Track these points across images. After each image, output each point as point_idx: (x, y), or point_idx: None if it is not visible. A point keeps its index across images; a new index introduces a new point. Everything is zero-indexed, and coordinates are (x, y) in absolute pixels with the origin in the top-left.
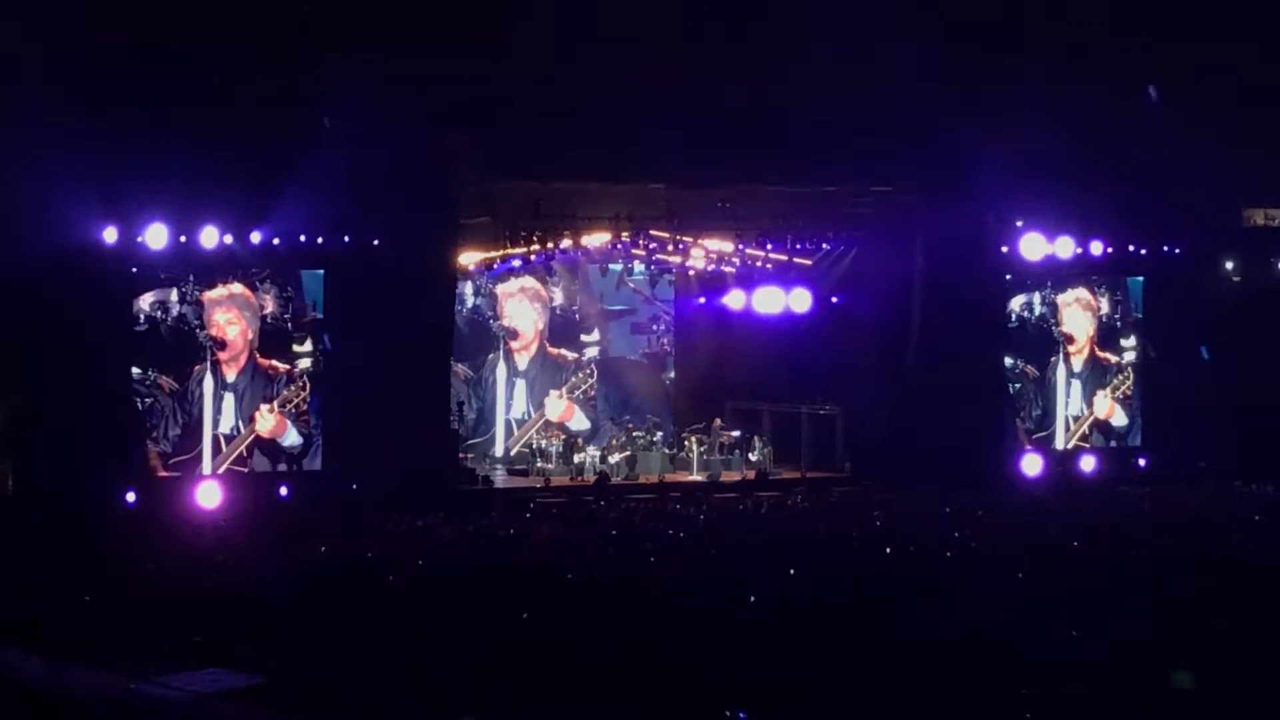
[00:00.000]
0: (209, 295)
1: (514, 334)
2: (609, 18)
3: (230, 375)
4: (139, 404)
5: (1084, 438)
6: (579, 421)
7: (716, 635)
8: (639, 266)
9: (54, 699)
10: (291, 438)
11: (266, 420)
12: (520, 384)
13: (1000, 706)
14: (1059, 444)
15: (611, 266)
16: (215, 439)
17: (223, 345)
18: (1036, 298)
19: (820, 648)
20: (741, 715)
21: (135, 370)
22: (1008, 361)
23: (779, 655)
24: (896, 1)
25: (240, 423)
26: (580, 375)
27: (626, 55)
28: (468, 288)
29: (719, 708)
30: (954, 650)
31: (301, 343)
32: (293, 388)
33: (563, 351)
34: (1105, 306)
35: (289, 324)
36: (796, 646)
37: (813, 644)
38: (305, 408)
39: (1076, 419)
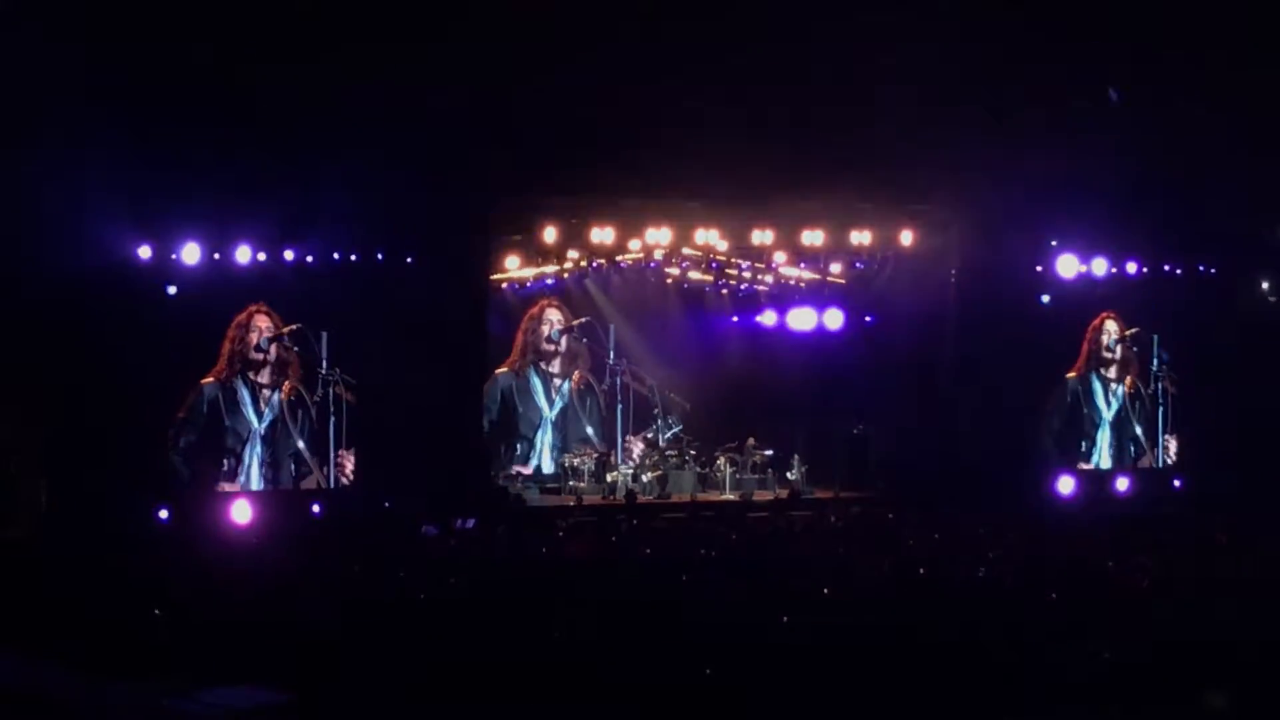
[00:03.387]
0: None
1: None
2: (647, 34)
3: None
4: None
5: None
6: None
7: (747, 657)
8: None
9: (89, 716)
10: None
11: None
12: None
13: None
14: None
15: None
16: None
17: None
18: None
19: (851, 670)
20: None
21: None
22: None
23: (807, 677)
24: (932, 21)
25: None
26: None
27: (659, 72)
28: None
29: None
30: (986, 674)
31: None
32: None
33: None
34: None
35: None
36: (826, 669)
37: (844, 667)
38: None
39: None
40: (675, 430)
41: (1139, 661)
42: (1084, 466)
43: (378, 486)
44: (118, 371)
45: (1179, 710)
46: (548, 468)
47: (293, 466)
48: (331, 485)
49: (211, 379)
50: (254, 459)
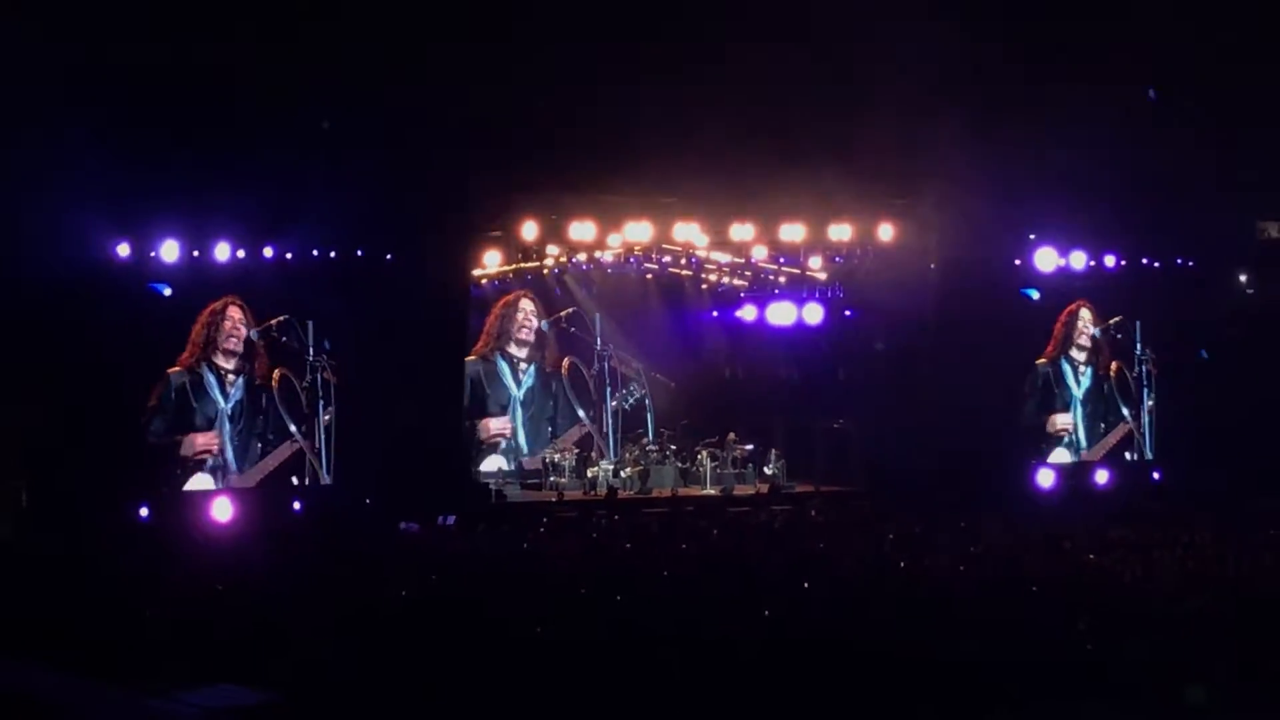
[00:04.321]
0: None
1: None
2: (621, 30)
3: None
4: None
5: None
6: None
7: (727, 652)
8: None
9: (70, 715)
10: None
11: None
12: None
13: None
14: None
15: None
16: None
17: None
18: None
19: (831, 665)
20: None
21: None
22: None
23: (790, 672)
24: (910, 15)
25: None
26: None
27: (638, 71)
28: None
29: None
30: (968, 667)
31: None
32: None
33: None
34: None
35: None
36: (807, 663)
37: (823, 661)
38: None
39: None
40: (639, 396)
41: (1121, 654)
42: (1060, 451)
43: (358, 484)
44: (97, 371)
45: (1158, 703)
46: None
47: (259, 445)
48: (322, 459)
49: (178, 367)
50: (224, 439)
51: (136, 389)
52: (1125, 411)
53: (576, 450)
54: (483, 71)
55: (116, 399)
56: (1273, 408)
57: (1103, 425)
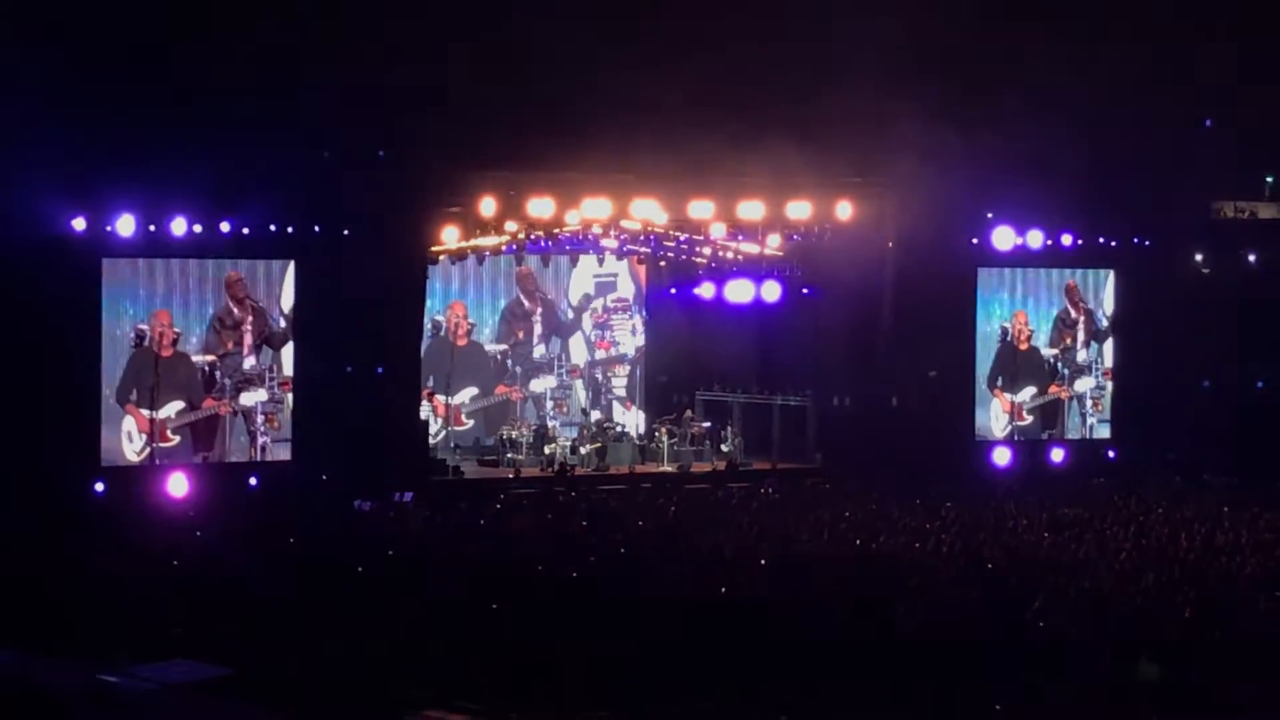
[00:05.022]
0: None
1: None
2: (580, 7)
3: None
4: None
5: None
6: None
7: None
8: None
9: (23, 690)
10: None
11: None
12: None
13: (968, 698)
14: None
15: None
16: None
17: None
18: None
19: (787, 641)
20: None
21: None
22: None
23: (747, 647)
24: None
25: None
26: None
27: (597, 46)
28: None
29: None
30: (923, 643)
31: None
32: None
33: None
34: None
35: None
36: (763, 640)
37: (779, 638)
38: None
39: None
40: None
41: (1073, 631)
42: (1015, 428)
43: (316, 460)
44: (52, 346)
45: (1113, 679)
46: (461, 400)
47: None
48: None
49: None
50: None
51: (93, 366)
52: (1076, 385)
53: (534, 426)
54: (441, 48)
55: (73, 376)
56: (1226, 386)
57: (1053, 401)
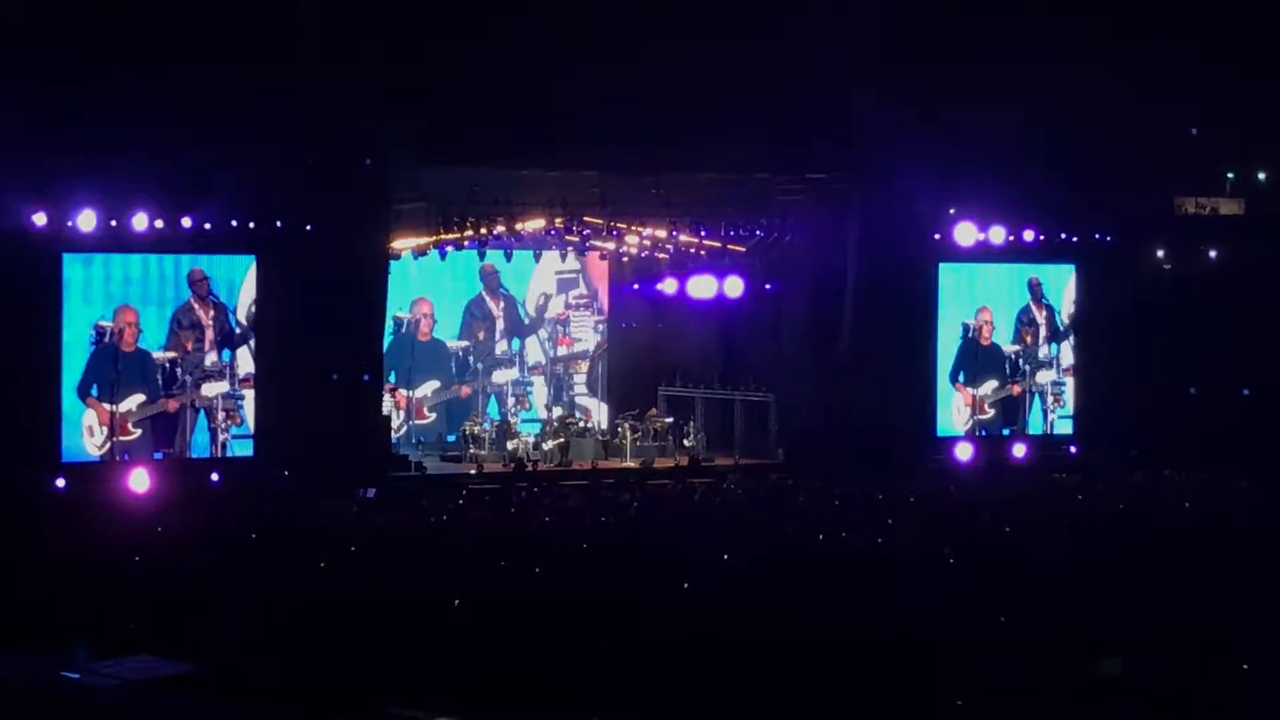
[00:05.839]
0: None
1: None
2: (546, 3)
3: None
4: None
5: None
6: None
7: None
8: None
9: None
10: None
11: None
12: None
13: (932, 695)
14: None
15: None
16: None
17: None
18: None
19: (748, 641)
20: None
21: None
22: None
23: (707, 647)
24: None
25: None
26: None
27: (554, 41)
28: None
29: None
30: (885, 640)
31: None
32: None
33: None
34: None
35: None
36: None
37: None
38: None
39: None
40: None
41: (1034, 626)
42: (977, 423)
43: (277, 456)
44: (10, 340)
45: (1074, 676)
46: (424, 393)
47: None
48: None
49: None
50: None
51: (52, 360)
52: (1037, 379)
53: (496, 422)
54: (404, 43)
55: (32, 370)
56: (1189, 382)
57: (1015, 397)
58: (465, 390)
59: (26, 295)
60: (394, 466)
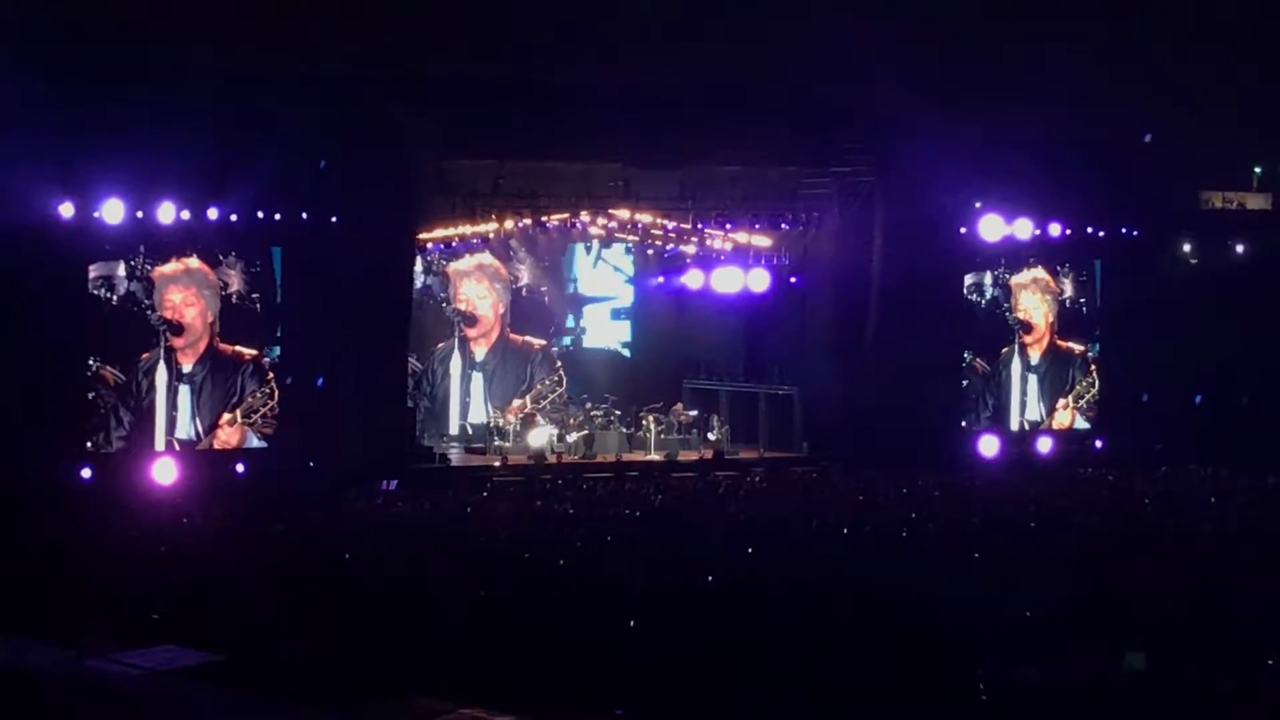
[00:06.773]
0: (161, 271)
1: (471, 319)
2: None
3: (187, 365)
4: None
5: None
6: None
7: (671, 617)
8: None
9: (6, 676)
10: (252, 443)
11: (227, 433)
12: (477, 379)
13: (956, 688)
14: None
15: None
16: (169, 444)
17: (179, 329)
18: (988, 278)
19: (773, 630)
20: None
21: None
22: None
23: (733, 637)
24: None
25: (199, 427)
26: (547, 382)
27: (585, 34)
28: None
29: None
30: (909, 632)
31: (270, 329)
32: (259, 394)
33: (528, 339)
34: (1068, 289)
35: (256, 304)
36: (750, 629)
37: (765, 626)
38: (272, 415)
39: (1034, 424)
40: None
41: (1060, 619)
42: (1003, 417)
43: (302, 447)
44: (40, 330)
45: (1098, 668)
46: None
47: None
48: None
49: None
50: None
51: (79, 350)
52: (1071, 379)
53: (521, 414)
54: (431, 37)
55: (60, 360)
56: (1213, 375)
57: (1049, 394)
58: None
59: (53, 285)
60: (417, 458)
